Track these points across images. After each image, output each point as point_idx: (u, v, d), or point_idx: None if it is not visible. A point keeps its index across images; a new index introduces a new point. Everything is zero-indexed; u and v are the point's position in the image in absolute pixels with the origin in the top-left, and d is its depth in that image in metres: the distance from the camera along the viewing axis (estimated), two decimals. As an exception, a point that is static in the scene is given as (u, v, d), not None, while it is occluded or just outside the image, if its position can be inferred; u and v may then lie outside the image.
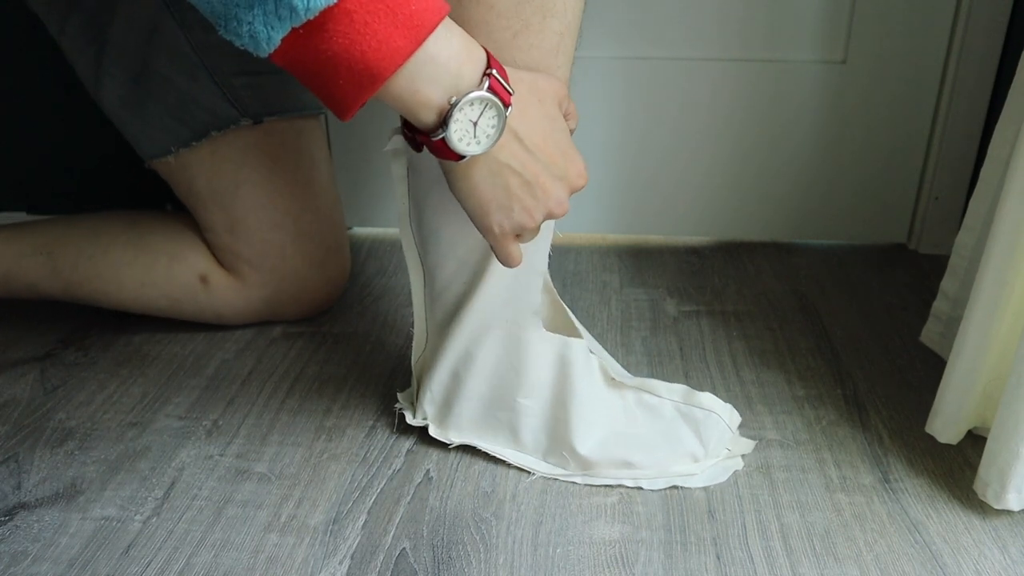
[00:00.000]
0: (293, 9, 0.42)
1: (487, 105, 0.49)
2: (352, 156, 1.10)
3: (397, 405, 0.75)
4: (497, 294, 0.65)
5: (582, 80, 1.02)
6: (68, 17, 0.79)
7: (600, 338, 0.87)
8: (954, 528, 0.63)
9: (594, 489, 0.67)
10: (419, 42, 0.46)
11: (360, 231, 1.14)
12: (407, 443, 0.73)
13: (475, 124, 0.49)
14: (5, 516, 0.66)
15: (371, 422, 0.76)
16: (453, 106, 0.48)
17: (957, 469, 0.69)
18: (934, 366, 0.82)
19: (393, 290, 0.99)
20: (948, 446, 0.70)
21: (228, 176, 0.82)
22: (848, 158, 1.06)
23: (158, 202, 1.13)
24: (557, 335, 0.67)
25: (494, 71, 0.49)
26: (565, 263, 1.06)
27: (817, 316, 0.93)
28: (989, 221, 0.70)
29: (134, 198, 1.14)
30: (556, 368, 0.67)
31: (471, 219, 0.56)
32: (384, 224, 1.14)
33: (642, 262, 1.07)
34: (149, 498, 0.67)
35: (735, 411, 0.72)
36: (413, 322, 0.72)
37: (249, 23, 0.43)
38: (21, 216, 1.17)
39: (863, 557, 0.60)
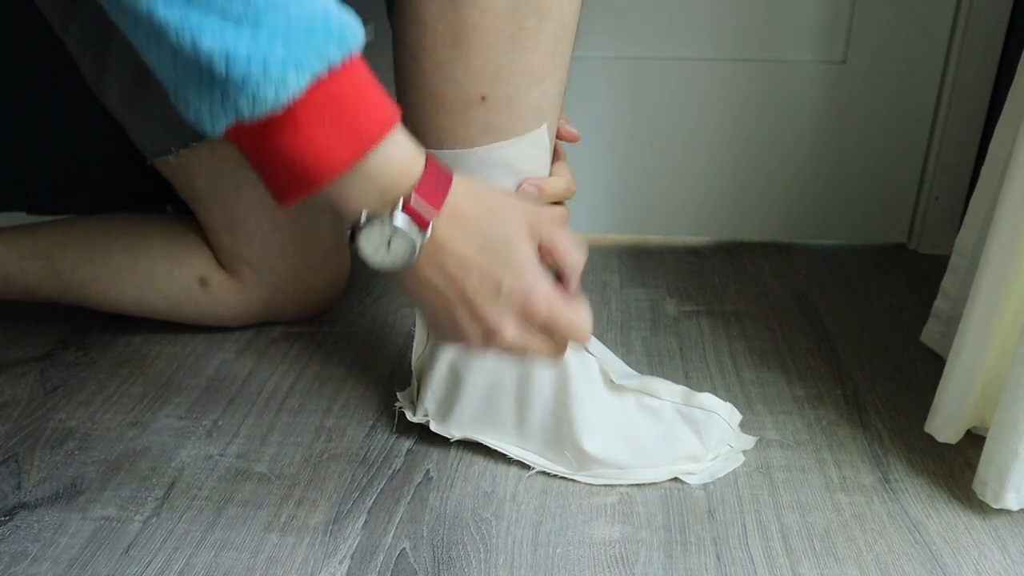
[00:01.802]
0: (238, 109, 0.42)
1: (397, 229, 0.48)
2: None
3: (397, 404, 0.75)
4: None
5: (582, 80, 1.02)
6: (72, 15, 0.80)
7: (600, 338, 0.87)
8: (954, 528, 0.63)
9: (594, 489, 0.67)
10: (361, 155, 0.46)
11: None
12: (407, 443, 0.73)
13: (389, 241, 0.49)
14: (5, 516, 0.66)
15: (371, 422, 0.76)
16: (369, 221, 0.48)
17: (957, 469, 0.69)
18: (934, 366, 0.82)
19: (393, 290, 0.99)
20: (948, 446, 0.70)
21: (228, 176, 0.82)
22: (848, 158, 1.06)
23: (159, 202, 1.13)
24: None
25: (417, 195, 0.47)
26: (565, 263, 1.06)
27: (817, 316, 0.93)
28: (989, 220, 0.70)
29: (135, 198, 1.14)
30: (554, 367, 0.67)
31: None
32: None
33: (642, 262, 1.07)
34: (149, 498, 0.67)
35: (735, 410, 0.72)
36: (415, 321, 0.72)
37: (196, 107, 0.43)
38: (21, 216, 1.17)
39: (863, 557, 0.60)
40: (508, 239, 0.51)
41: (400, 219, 0.47)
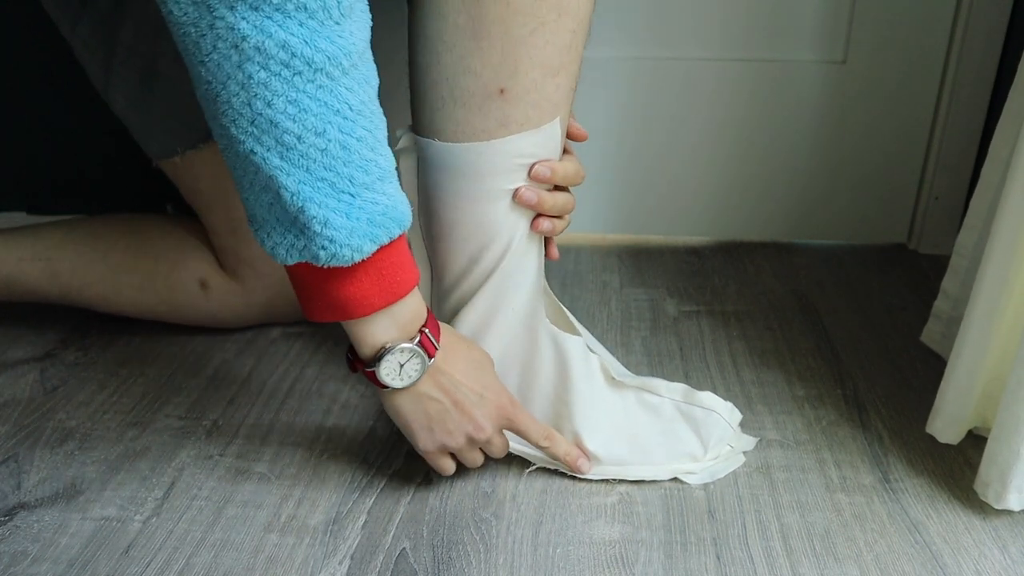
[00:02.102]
0: (315, 257, 0.52)
1: (414, 354, 0.59)
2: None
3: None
4: (505, 288, 0.65)
5: (582, 80, 1.02)
6: (79, 18, 0.80)
7: (600, 338, 0.87)
8: (954, 528, 0.63)
9: (594, 489, 0.67)
10: (391, 304, 0.57)
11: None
12: (407, 443, 0.73)
13: (402, 366, 0.59)
14: (5, 516, 0.66)
15: (371, 422, 0.76)
16: (388, 350, 0.58)
17: (957, 469, 0.69)
18: (934, 366, 0.82)
19: (393, 290, 0.99)
20: (948, 446, 0.70)
21: (231, 177, 0.82)
22: (848, 158, 1.06)
23: (159, 203, 1.13)
24: (559, 330, 0.68)
25: (427, 330, 0.59)
26: (565, 263, 1.06)
27: (817, 316, 0.93)
28: (990, 221, 0.70)
29: (135, 199, 1.14)
30: (556, 363, 0.68)
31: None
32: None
33: (642, 262, 1.07)
34: (149, 498, 0.67)
35: (736, 409, 0.72)
36: None
37: (274, 242, 0.53)
38: (21, 216, 1.17)
39: (863, 557, 0.60)
40: (481, 365, 0.64)
41: (418, 349, 0.59)
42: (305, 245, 0.52)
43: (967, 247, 0.76)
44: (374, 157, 0.52)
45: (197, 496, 0.67)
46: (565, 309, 0.70)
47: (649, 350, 0.87)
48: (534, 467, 0.69)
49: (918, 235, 1.08)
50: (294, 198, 0.50)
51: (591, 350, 0.70)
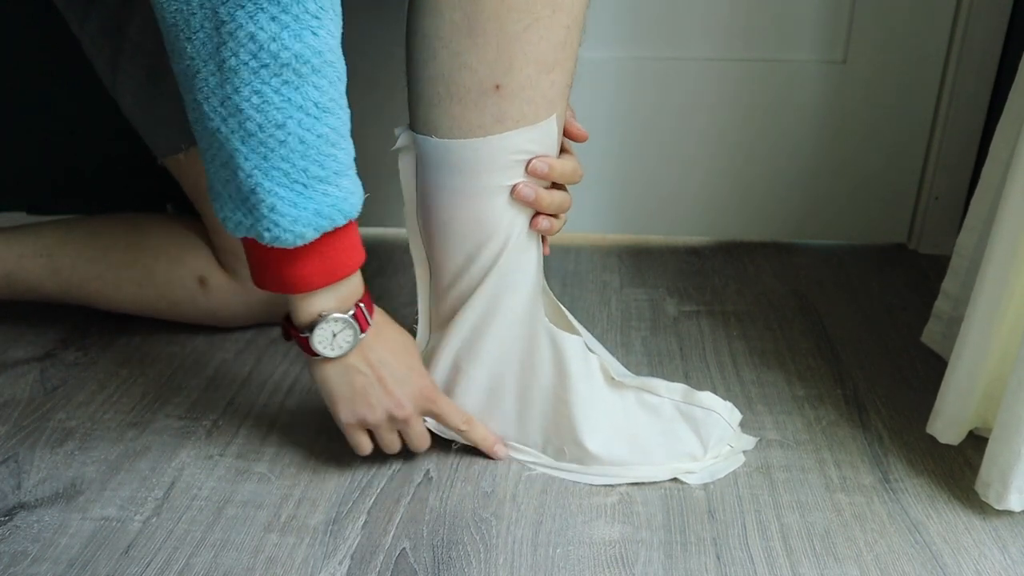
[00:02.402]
0: (259, 236, 0.55)
1: (347, 326, 0.61)
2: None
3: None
4: (504, 286, 0.65)
5: (582, 80, 1.02)
6: (88, 15, 0.80)
7: (600, 338, 0.87)
8: (954, 528, 0.63)
9: (594, 489, 0.67)
10: (331, 283, 0.59)
11: (360, 231, 1.13)
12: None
13: (335, 335, 0.61)
14: (5, 516, 0.66)
15: (371, 422, 0.76)
16: (323, 318, 0.60)
17: (957, 469, 0.69)
18: (934, 366, 0.82)
19: (393, 290, 0.99)
20: (948, 446, 0.70)
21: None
22: (848, 158, 1.06)
23: (159, 203, 1.13)
24: (558, 329, 0.68)
25: (362, 305, 0.62)
26: (565, 263, 1.06)
27: (817, 316, 0.93)
28: (990, 221, 0.70)
29: (135, 198, 1.14)
30: (555, 363, 0.68)
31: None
32: (384, 224, 1.14)
33: (642, 262, 1.07)
34: (149, 498, 0.67)
35: (735, 409, 0.72)
36: (416, 319, 0.72)
37: (226, 215, 0.56)
38: (21, 216, 1.17)
39: (863, 557, 0.60)
40: (407, 343, 0.66)
41: (351, 321, 0.61)
42: (252, 224, 0.54)
43: (967, 247, 0.76)
44: (333, 152, 0.55)
45: (197, 496, 0.67)
46: (564, 309, 0.70)
47: (649, 350, 0.87)
48: (534, 471, 0.69)
49: (918, 235, 1.08)
50: (248, 180, 0.53)
51: (590, 350, 0.70)
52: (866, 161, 1.06)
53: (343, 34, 0.55)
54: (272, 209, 0.53)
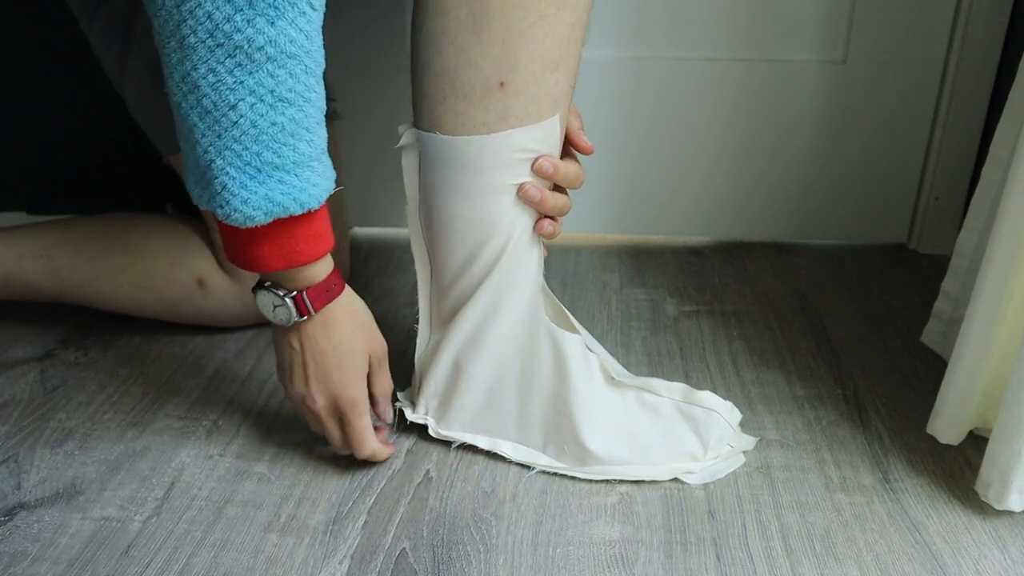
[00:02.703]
0: (215, 213, 0.56)
1: (284, 304, 0.62)
2: (352, 157, 1.10)
3: (397, 403, 0.75)
4: (506, 285, 0.65)
5: (582, 80, 1.02)
6: (97, 11, 0.80)
7: (600, 338, 0.87)
8: (954, 528, 0.63)
9: (594, 489, 0.67)
10: (289, 268, 0.60)
11: (360, 231, 1.14)
12: (407, 443, 0.73)
13: (275, 307, 0.62)
14: (5, 516, 0.66)
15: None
16: (265, 288, 0.62)
17: (957, 469, 0.69)
18: (934, 366, 0.82)
19: (393, 290, 0.99)
20: (948, 446, 0.70)
21: None
22: (848, 158, 1.06)
23: (159, 203, 1.13)
24: (559, 328, 0.68)
25: (306, 295, 0.62)
26: (565, 263, 1.06)
27: (817, 316, 0.93)
28: (990, 221, 0.70)
29: (135, 198, 1.14)
30: (555, 362, 0.68)
31: None
32: (384, 224, 1.14)
33: (642, 262, 1.07)
34: (149, 498, 0.67)
35: (735, 409, 0.72)
36: (417, 319, 0.72)
37: (190, 185, 0.57)
38: (21, 216, 1.17)
39: (863, 557, 0.60)
40: (352, 353, 0.65)
41: (289, 303, 0.61)
42: (208, 199, 0.56)
43: (967, 247, 0.76)
44: (293, 143, 0.55)
45: (197, 496, 0.67)
46: (565, 309, 0.70)
47: (649, 350, 0.87)
48: (535, 471, 0.69)
49: (918, 235, 1.08)
50: (204, 156, 0.54)
51: (589, 349, 0.70)
52: (866, 161, 1.06)
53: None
54: (223, 187, 0.54)
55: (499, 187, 0.63)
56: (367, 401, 0.67)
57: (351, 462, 0.71)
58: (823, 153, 1.06)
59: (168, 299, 0.87)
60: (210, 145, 0.54)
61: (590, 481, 0.68)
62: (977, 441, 0.70)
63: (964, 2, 0.96)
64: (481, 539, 0.63)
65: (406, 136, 0.65)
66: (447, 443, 0.72)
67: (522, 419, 0.69)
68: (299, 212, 0.57)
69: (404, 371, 0.83)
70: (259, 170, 0.54)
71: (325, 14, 0.55)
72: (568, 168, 0.65)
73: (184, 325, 0.90)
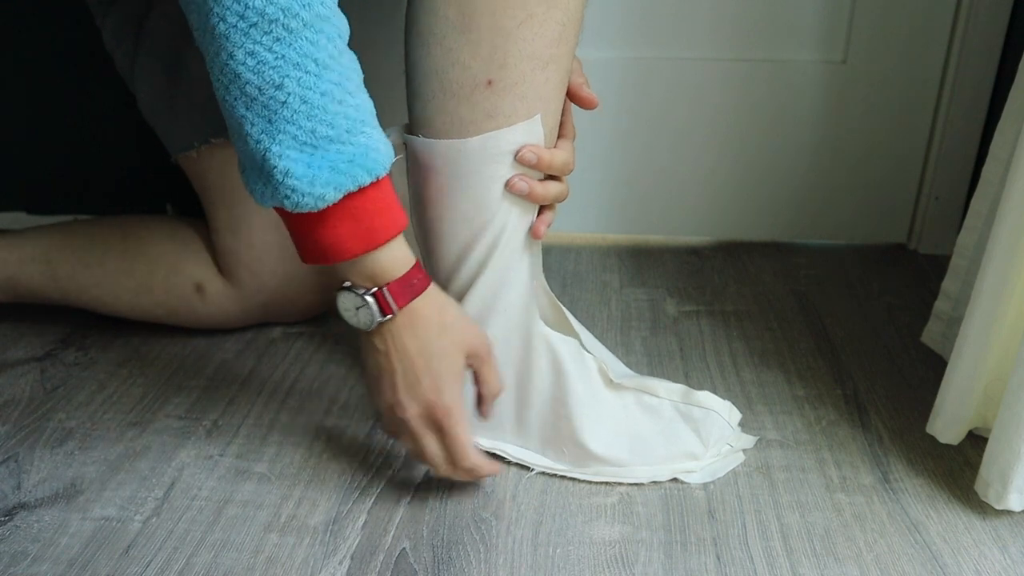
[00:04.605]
0: (283, 204, 0.54)
1: (366, 304, 0.59)
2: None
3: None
4: (498, 284, 0.65)
5: (582, 80, 1.02)
6: (109, 9, 0.81)
7: (600, 338, 0.87)
8: (954, 528, 0.63)
9: (594, 489, 0.67)
10: (367, 251, 0.57)
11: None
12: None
13: (357, 309, 0.59)
14: (5, 516, 0.66)
15: (371, 422, 0.76)
16: (347, 288, 0.59)
17: (957, 469, 0.69)
18: (934, 366, 0.82)
19: (393, 290, 0.99)
20: (948, 446, 0.70)
21: (236, 173, 0.82)
22: (848, 158, 1.06)
23: (159, 203, 1.13)
24: (553, 331, 0.68)
25: (386, 290, 0.58)
26: (565, 263, 1.06)
27: (817, 316, 0.93)
28: (990, 221, 0.70)
29: (135, 199, 1.14)
30: (551, 365, 0.67)
31: None
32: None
33: (642, 262, 1.07)
34: (149, 498, 0.67)
35: (735, 408, 0.72)
36: None
37: (252, 187, 0.55)
38: (21, 216, 1.17)
39: (863, 557, 0.60)
40: (443, 354, 0.61)
41: (370, 300, 0.59)
42: (272, 192, 0.53)
43: (967, 247, 0.76)
44: (342, 110, 0.53)
45: (197, 496, 0.67)
46: (564, 309, 0.70)
47: (649, 350, 0.87)
48: (534, 471, 0.69)
49: (918, 235, 1.08)
50: (258, 146, 0.52)
51: (586, 350, 0.69)
52: (866, 161, 1.06)
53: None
54: (286, 174, 0.52)
55: (484, 186, 0.62)
56: (463, 409, 0.62)
57: (351, 462, 0.71)
58: (823, 153, 1.06)
59: (167, 305, 0.87)
60: (262, 133, 0.52)
61: (590, 481, 0.68)
62: (977, 441, 0.70)
63: (964, 2, 0.96)
64: (481, 539, 0.63)
65: (392, 138, 0.65)
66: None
67: (520, 422, 0.69)
68: (367, 181, 0.54)
69: (404, 371, 0.83)
70: (316, 147, 0.52)
71: None
72: (554, 156, 0.64)
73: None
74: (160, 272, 0.86)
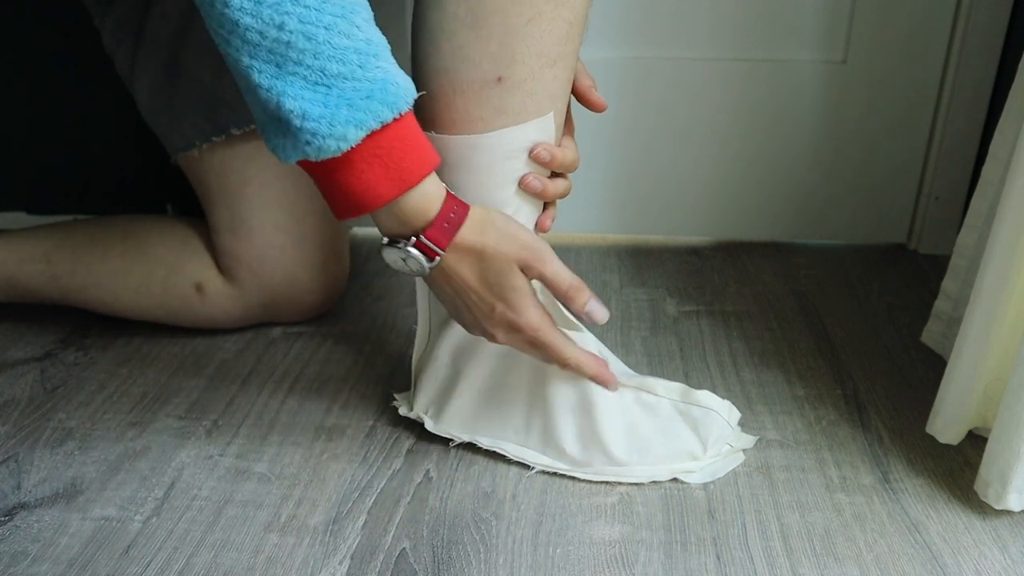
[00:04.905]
0: (306, 153, 0.52)
1: (410, 254, 0.58)
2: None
3: (394, 402, 0.75)
4: None
5: (582, 80, 1.02)
6: (108, 10, 0.81)
7: (600, 338, 0.87)
8: (954, 528, 0.63)
9: (594, 489, 0.67)
10: (402, 192, 0.56)
11: (360, 231, 1.14)
12: (407, 443, 0.73)
13: (404, 260, 0.59)
14: (5, 516, 0.66)
15: (371, 422, 0.76)
16: (389, 243, 0.59)
17: (957, 469, 0.69)
18: (934, 366, 0.82)
19: (393, 290, 0.99)
20: (948, 446, 0.70)
21: (237, 172, 0.83)
22: (848, 158, 1.06)
23: (159, 203, 1.13)
24: (567, 329, 0.68)
25: (424, 237, 0.58)
26: (565, 263, 1.06)
27: (817, 316, 0.93)
28: (990, 221, 0.70)
29: (135, 199, 1.14)
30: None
31: None
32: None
33: (642, 262, 1.07)
34: (149, 498, 0.67)
35: (734, 408, 0.72)
36: (416, 320, 0.72)
37: (274, 144, 0.53)
38: (21, 216, 1.17)
39: (863, 557, 0.60)
40: (502, 272, 0.60)
41: (413, 251, 0.58)
42: (294, 143, 0.52)
43: (967, 247, 0.76)
44: (350, 44, 0.51)
45: (197, 496, 0.67)
46: (564, 309, 0.70)
47: (649, 350, 0.87)
48: (534, 470, 0.69)
49: (918, 235, 1.08)
50: (269, 95, 0.51)
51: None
52: (866, 161, 1.06)
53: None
54: (304, 117, 0.51)
55: (495, 183, 0.63)
56: (547, 319, 0.62)
57: (351, 462, 0.71)
58: (823, 153, 1.06)
59: (167, 305, 0.87)
60: (272, 80, 0.50)
61: (590, 481, 0.68)
62: (977, 441, 0.70)
63: (964, 2, 0.96)
64: (481, 539, 0.63)
65: None
66: (447, 443, 0.72)
67: (521, 420, 0.69)
68: (390, 117, 0.53)
69: (405, 371, 0.83)
70: (329, 86, 0.51)
71: None
72: (565, 154, 0.65)
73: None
74: (160, 272, 0.86)
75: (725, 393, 0.78)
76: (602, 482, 0.68)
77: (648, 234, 1.13)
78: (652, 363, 0.84)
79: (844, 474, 0.69)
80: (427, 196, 0.57)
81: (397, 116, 0.53)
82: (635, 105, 1.05)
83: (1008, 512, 0.64)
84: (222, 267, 0.86)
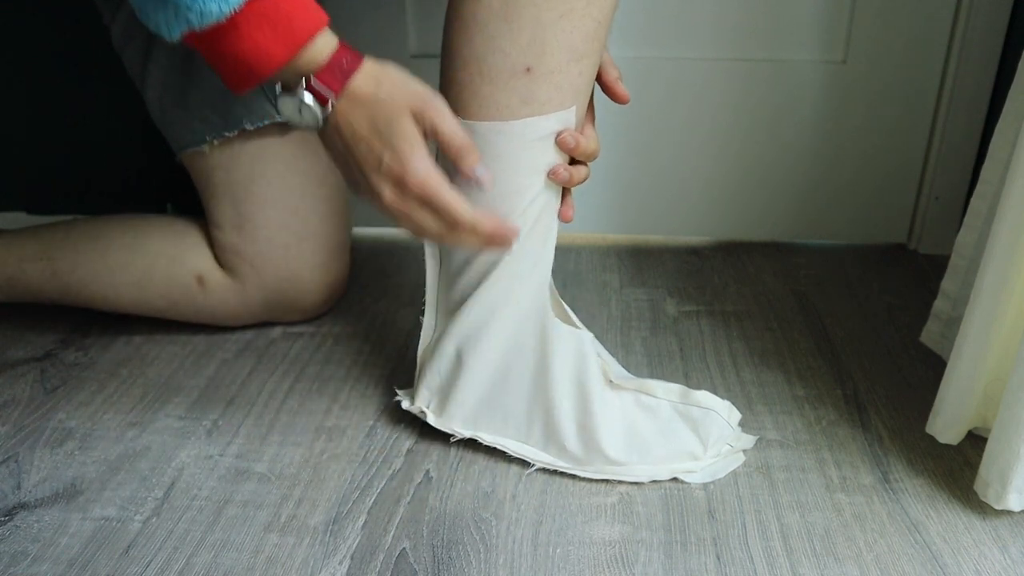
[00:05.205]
0: (189, 21, 0.51)
1: (303, 103, 0.57)
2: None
3: (396, 398, 0.75)
4: (514, 275, 0.65)
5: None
6: (121, 5, 0.80)
7: (600, 338, 0.87)
8: (954, 528, 0.63)
9: (594, 489, 0.67)
10: (293, 54, 0.55)
11: (360, 231, 1.14)
12: (407, 443, 0.73)
13: (299, 110, 0.58)
14: (5, 516, 0.66)
15: (371, 422, 0.76)
16: (280, 95, 0.58)
17: (957, 469, 0.69)
18: (934, 366, 0.82)
19: (393, 290, 0.99)
20: (948, 446, 0.70)
21: (244, 169, 0.83)
22: (848, 158, 1.06)
23: (159, 203, 1.13)
24: (570, 327, 0.68)
25: (315, 79, 0.57)
26: (565, 263, 1.06)
27: (817, 316, 0.93)
28: (990, 221, 0.70)
29: (135, 199, 1.14)
30: (571, 360, 0.67)
31: None
32: (385, 224, 1.14)
33: (642, 262, 1.07)
34: (149, 498, 0.67)
35: (734, 408, 0.72)
36: (423, 309, 0.71)
37: (156, 20, 0.52)
38: (21, 216, 1.17)
39: (863, 557, 0.60)
40: (393, 120, 0.58)
41: (305, 96, 0.57)
42: (175, 12, 0.51)
43: (967, 247, 0.76)
44: None
45: (197, 496, 0.67)
46: (566, 307, 0.70)
47: (649, 350, 0.87)
48: (534, 468, 0.69)
49: (918, 235, 1.08)
50: None
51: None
52: (866, 161, 1.06)
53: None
54: None
55: (517, 169, 0.63)
56: (436, 172, 0.59)
57: (351, 462, 0.71)
58: (823, 153, 1.06)
59: (168, 297, 0.87)
60: None
61: (590, 481, 0.68)
62: (977, 441, 0.70)
63: (964, 2, 0.96)
64: (481, 539, 0.63)
65: None
66: (447, 443, 0.72)
67: (522, 417, 0.69)
68: None
69: (406, 371, 0.83)
70: None
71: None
72: (588, 142, 0.66)
73: (184, 325, 0.90)
74: (161, 263, 0.86)
75: (725, 393, 0.79)
76: (602, 482, 0.68)
77: (648, 234, 1.13)
78: (652, 363, 0.84)
79: (844, 474, 0.69)
80: (320, 53, 0.56)
81: None
82: (635, 105, 1.05)
83: (1008, 512, 0.64)
84: (223, 263, 0.86)
